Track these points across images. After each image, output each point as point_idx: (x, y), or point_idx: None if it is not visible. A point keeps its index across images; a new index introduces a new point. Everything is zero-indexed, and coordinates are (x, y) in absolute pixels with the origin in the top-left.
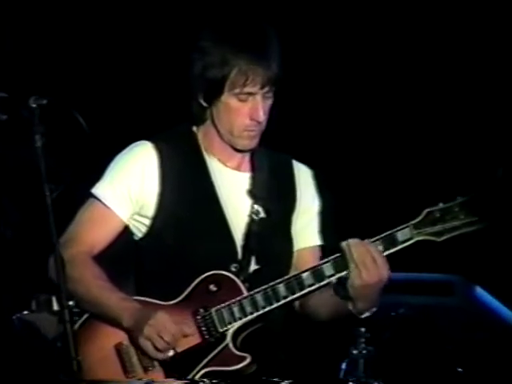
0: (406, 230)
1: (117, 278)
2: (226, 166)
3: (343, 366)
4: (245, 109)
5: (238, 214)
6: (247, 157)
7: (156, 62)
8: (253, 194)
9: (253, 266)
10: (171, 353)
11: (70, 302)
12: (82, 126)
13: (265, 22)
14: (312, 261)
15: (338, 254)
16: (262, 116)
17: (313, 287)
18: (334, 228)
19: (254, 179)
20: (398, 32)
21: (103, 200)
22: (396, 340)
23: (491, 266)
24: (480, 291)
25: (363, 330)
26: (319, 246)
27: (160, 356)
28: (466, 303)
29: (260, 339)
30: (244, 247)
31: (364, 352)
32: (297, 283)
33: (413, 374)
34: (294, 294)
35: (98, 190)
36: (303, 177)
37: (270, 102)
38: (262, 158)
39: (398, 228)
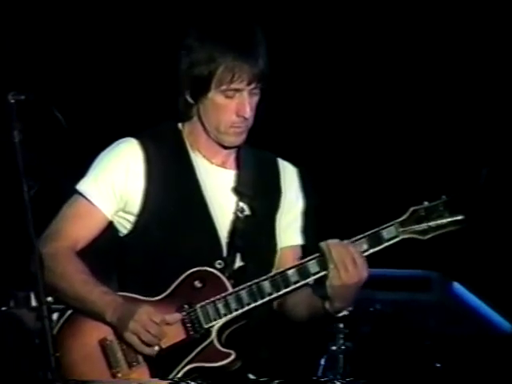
0: (392, 228)
1: (99, 274)
2: (212, 162)
3: (322, 361)
4: (231, 105)
5: (223, 211)
6: (233, 154)
7: (140, 58)
8: (238, 191)
9: (237, 263)
10: (157, 348)
11: (49, 298)
12: (60, 121)
13: (251, 19)
14: (292, 260)
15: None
16: (248, 112)
17: (298, 284)
18: (316, 227)
19: (239, 176)
20: (386, 28)
21: (87, 196)
22: (374, 336)
23: (468, 261)
24: (457, 287)
25: (342, 326)
26: (301, 245)
27: (146, 350)
28: (444, 299)
29: (244, 336)
30: (229, 244)
31: (343, 348)
32: (282, 280)
33: (391, 370)
34: (278, 290)
35: (83, 186)
36: (288, 175)
37: (256, 98)
38: (248, 156)
39: (384, 226)
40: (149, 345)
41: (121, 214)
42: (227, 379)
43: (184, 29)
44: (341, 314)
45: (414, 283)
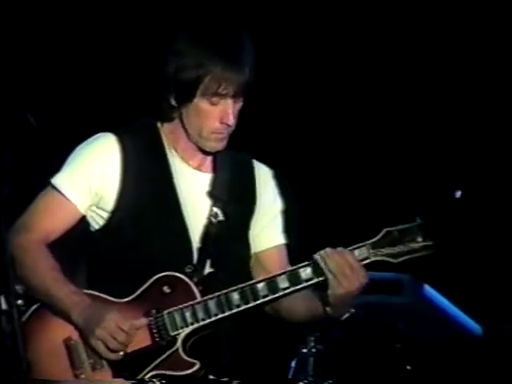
0: (363, 248)
1: (68, 266)
2: (189, 164)
3: (293, 364)
4: (215, 112)
5: (197, 215)
6: (210, 157)
7: (117, 55)
8: (213, 195)
9: (207, 269)
10: (121, 354)
11: (19, 301)
12: (31, 122)
13: (240, 26)
14: (279, 260)
15: (294, 267)
16: (232, 120)
17: (267, 298)
18: (296, 227)
19: (215, 180)
20: (382, 33)
21: (61, 190)
22: (345, 338)
23: (440, 264)
24: (429, 290)
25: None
26: (285, 244)
27: (111, 356)
28: (415, 302)
29: (209, 344)
30: (200, 250)
31: (313, 351)
32: (251, 293)
33: (362, 372)
34: (247, 303)
35: (58, 180)
36: (263, 177)
37: (240, 105)
38: (225, 159)
39: (356, 246)
40: (114, 351)
41: (94, 208)
42: (188, 380)
43: (170, 30)
44: (344, 317)
45: (385, 286)
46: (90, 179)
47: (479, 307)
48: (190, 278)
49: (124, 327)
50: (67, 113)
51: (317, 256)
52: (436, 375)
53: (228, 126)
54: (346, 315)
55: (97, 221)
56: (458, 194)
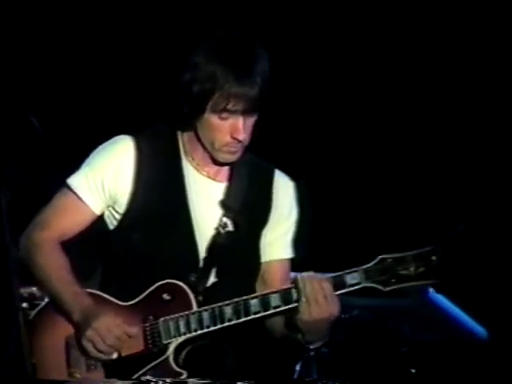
0: (356, 274)
1: (88, 265)
2: (203, 173)
3: (297, 367)
4: (225, 126)
5: (206, 224)
6: (227, 167)
7: (128, 62)
8: (224, 204)
9: (212, 279)
10: (115, 355)
11: (24, 304)
12: (36, 127)
13: (256, 40)
14: (279, 274)
15: (288, 286)
16: (242, 135)
17: (258, 315)
18: (307, 241)
19: (229, 189)
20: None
21: (77, 191)
22: (350, 342)
23: (444, 268)
24: (433, 293)
25: None
26: (289, 259)
27: (102, 357)
28: (420, 305)
29: (210, 352)
30: (206, 259)
31: (318, 354)
32: (243, 308)
33: (366, 376)
34: (239, 318)
35: (74, 180)
36: (282, 189)
37: (253, 119)
38: (243, 168)
39: (349, 270)
40: (102, 352)
41: (110, 209)
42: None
43: (191, 39)
44: (312, 347)
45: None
46: (104, 181)
47: (484, 310)
48: (192, 287)
49: (115, 331)
50: (72, 117)
51: (298, 276)
52: (440, 379)
53: (239, 141)
54: (316, 345)
55: (112, 221)
56: (460, 229)
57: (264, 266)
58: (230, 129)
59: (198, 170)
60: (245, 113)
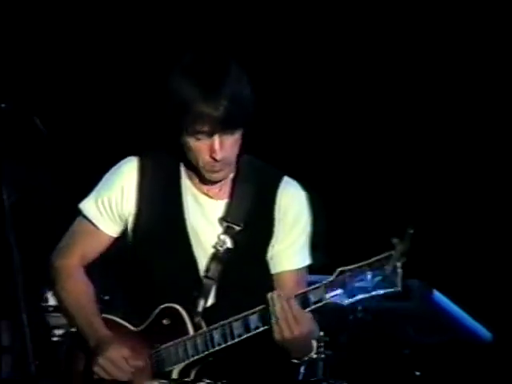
0: (319, 290)
1: (109, 282)
2: (202, 191)
3: (302, 369)
4: (204, 147)
5: (206, 243)
6: (228, 182)
7: (126, 67)
8: (223, 222)
9: (211, 299)
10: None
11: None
12: (41, 130)
13: (230, 59)
14: (290, 284)
15: (263, 306)
16: (219, 155)
17: (242, 337)
18: (323, 246)
19: (229, 207)
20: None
21: (89, 217)
22: (354, 344)
23: (448, 270)
24: (437, 295)
25: (322, 333)
26: (300, 268)
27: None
28: (423, 307)
29: (227, 363)
30: (205, 278)
31: (322, 356)
32: (229, 331)
33: (370, 378)
34: (226, 342)
35: (84, 206)
36: (284, 200)
37: (233, 136)
38: (246, 182)
39: (313, 287)
40: (117, 379)
41: (125, 229)
42: None
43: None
44: (302, 360)
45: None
46: (112, 203)
47: (488, 312)
48: (190, 308)
49: (122, 365)
50: (77, 120)
51: (268, 296)
52: (444, 381)
53: (217, 160)
54: (304, 359)
55: (128, 240)
56: (410, 233)
57: (275, 278)
58: (208, 149)
59: (198, 189)
60: (216, 133)
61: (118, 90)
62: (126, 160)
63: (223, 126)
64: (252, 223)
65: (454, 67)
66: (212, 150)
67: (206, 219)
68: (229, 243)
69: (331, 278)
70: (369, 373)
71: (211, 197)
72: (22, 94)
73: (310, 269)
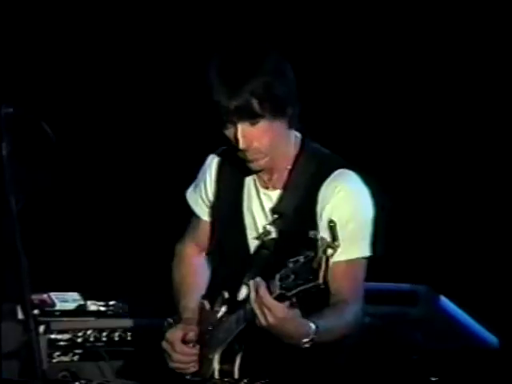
0: (275, 281)
1: None
2: (260, 181)
3: None
4: (231, 136)
5: (256, 233)
6: (285, 172)
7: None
8: (272, 212)
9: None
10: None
11: (35, 311)
12: (49, 135)
13: (263, 48)
14: (339, 277)
15: None
16: (241, 144)
17: (241, 326)
18: (382, 237)
19: (281, 197)
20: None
21: (189, 203)
22: (361, 349)
23: (456, 276)
24: (445, 301)
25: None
26: (348, 260)
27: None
28: (431, 313)
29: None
30: (252, 267)
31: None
32: (243, 316)
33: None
34: (238, 326)
35: (187, 193)
36: (327, 191)
37: (256, 127)
38: (301, 173)
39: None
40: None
41: None
42: None
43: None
44: (302, 346)
45: (401, 297)
46: (202, 193)
47: (495, 318)
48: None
49: (171, 347)
50: (85, 125)
51: (249, 283)
52: None
53: (244, 150)
54: (303, 346)
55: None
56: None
57: None
58: (234, 138)
59: (258, 178)
60: (237, 122)
61: (129, 95)
62: (210, 156)
63: (238, 116)
64: (296, 215)
65: (455, 67)
66: (236, 140)
67: (261, 208)
68: (274, 233)
69: (283, 270)
70: (376, 378)
71: (267, 186)
72: (31, 99)
73: None
